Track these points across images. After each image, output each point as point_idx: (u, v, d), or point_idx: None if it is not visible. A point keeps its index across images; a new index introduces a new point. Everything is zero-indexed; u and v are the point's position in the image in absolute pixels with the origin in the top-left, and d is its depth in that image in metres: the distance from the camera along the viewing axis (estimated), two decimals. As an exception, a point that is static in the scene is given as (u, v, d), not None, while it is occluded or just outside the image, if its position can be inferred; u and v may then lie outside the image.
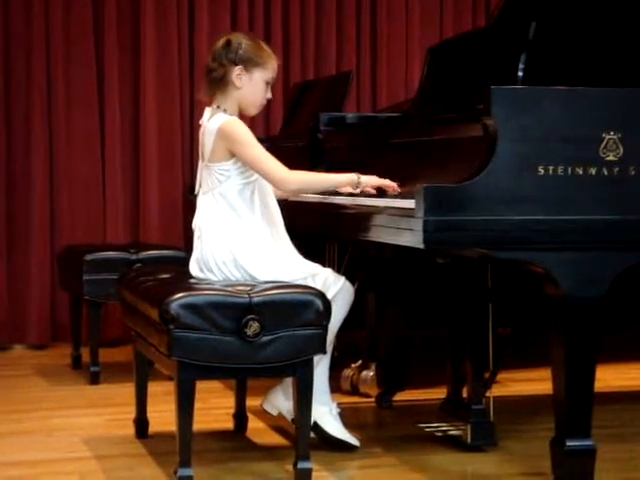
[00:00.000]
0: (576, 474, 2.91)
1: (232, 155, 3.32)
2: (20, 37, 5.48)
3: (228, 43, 3.37)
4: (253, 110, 3.45)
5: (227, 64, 3.35)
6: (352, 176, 3.36)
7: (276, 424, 3.72)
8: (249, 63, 3.37)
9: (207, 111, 3.41)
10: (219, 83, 3.37)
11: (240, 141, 3.30)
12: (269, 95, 3.45)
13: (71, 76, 5.56)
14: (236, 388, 3.71)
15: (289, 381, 3.33)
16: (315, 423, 3.41)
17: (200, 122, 3.44)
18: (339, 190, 3.46)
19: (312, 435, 3.37)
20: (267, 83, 3.42)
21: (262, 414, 3.70)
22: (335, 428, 3.46)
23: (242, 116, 3.42)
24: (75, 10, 5.55)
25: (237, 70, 3.36)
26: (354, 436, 3.49)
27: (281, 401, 3.51)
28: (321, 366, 3.42)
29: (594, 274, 2.84)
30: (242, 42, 3.38)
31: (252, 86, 3.39)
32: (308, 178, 3.41)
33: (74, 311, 4.96)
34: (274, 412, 3.55)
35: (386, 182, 3.32)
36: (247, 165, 3.32)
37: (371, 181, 3.35)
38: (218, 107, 3.38)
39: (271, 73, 3.42)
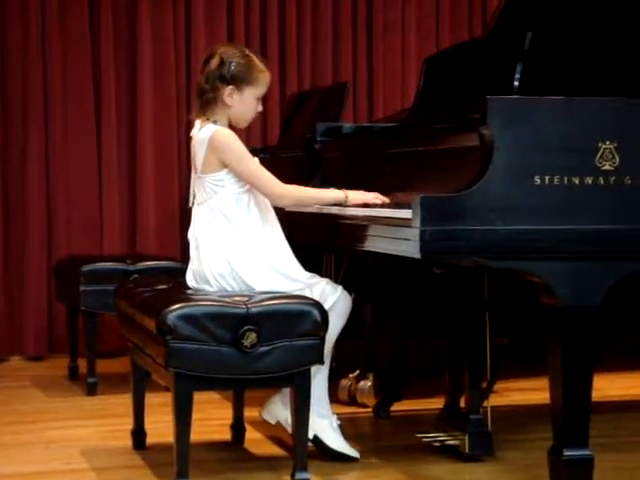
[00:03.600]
0: (574, 484, 2.91)
1: (225, 165, 3.32)
2: (16, 50, 5.48)
3: (221, 62, 3.34)
4: (243, 124, 3.45)
5: (219, 85, 3.34)
6: (340, 194, 3.36)
7: (274, 435, 3.72)
8: (241, 82, 3.35)
9: (197, 123, 3.40)
10: (212, 103, 3.36)
11: (232, 154, 3.30)
12: (260, 108, 3.45)
13: (68, 87, 5.56)
14: (233, 399, 3.71)
15: (288, 390, 3.33)
16: (315, 436, 3.42)
17: (191, 134, 3.44)
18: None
19: (311, 445, 3.37)
20: (258, 98, 3.42)
21: (260, 425, 3.70)
22: (336, 441, 3.46)
23: (233, 128, 3.41)
24: (71, 22, 5.54)
25: (228, 90, 3.34)
26: (354, 448, 3.49)
27: (280, 410, 3.50)
28: (320, 378, 3.42)
29: (591, 284, 2.84)
30: (234, 60, 3.34)
31: (243, 104, 3.38)
32: (301, 195, 3.41)
33: (71, 322, 4.96)
34: (272, 421, 3.54)
35: (374, 200, 3.32)
36: (240, 178, 3.32)
37: (358, 197, 3.35)
38: (208, 119, 3.37)
39: (262, 89, 3.41)
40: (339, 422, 3.49)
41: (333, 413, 3.49)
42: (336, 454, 3.45)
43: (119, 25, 5.63)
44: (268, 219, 3.39)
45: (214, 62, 3.36)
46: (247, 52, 3.42)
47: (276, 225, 3.41)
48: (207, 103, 3.36)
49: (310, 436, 3.37)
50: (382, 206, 3.27)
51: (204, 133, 3.33)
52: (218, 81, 3.34)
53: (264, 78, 3.41)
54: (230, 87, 3.35)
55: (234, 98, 3.36)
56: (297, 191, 3.41)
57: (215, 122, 3.35)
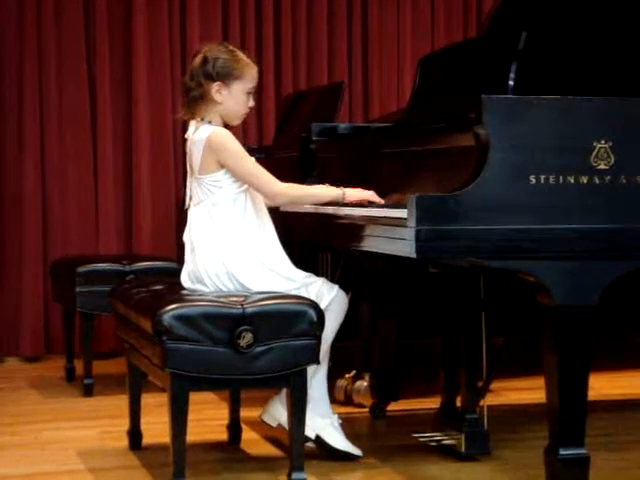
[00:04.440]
0: (570, 483, 2.92)
1: (222, 166, 3.32)
2: (11, 57, 5.48)
3: (205, 60, 3.35)
4: (236, 121, 3.45)
5: (205, 82, 3.34)
6: (337, 192, 3.36)
7: (270, 435, 3.72)
8: (227, 78, 3.34)
9: (192, 124, 3.40)
10: (199, 101, 3.36)
11: (230, 154, 3.30)
12: (251, 103, 3.44)
13: (63, 89, 5.55)
14: (230, 399, 3.71)
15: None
16: (318, 436, 3.42)
17: (186, 136, 3.44)
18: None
19: (310, 444, 3.38)
20: (248, 93, 3.41)
21: (256, 425, 3.70)
22: (338, 440, 3.46)
23: (228, 126, 3.42)
24: (66, 26, 5.54)
25: (216, 86, 3.34)
26: (356, 446, 3.49)
27: (280, 412, 3.49)
28: (319, 377, 3.42)
29: (586, 283, 2.84)
30: (218, 57, 3.35)
31: (233, 99, 3.37)
32: (298, 193, 3.41)
33: (67, 323, 4.96)
34: (273, 423, 3.54)
35: (371, 198, 3.32)
36: (238, 178, 3.32)
37: (355, 195, 3.34)
38: (202, 119, 3.37)
39: (250, 83, 3.40)
40: (340, 421, 3.49)
41: (334, 412, 3.49)
42: (339, 453, 3.46)
43: (114, 30, 5.62)
44: (263, 220, 3.40)
45: (197, 60, 3.37)
46: (231, 48, 3.43)
47: (270, 226, 3.41)
48: (193, 101, 3.36)
49: (312, 436, 3.38)
50: (378, 206, 3.27)
51: (201, 134, 3.33)
52: (202, 78, 3.34)
53: (250, 71, 3.40)
54: (217, 83, 3.34)
55: (223, 94, 3.36)
56: (294, 189, 3.41)
57: (210, 122, 3.36)
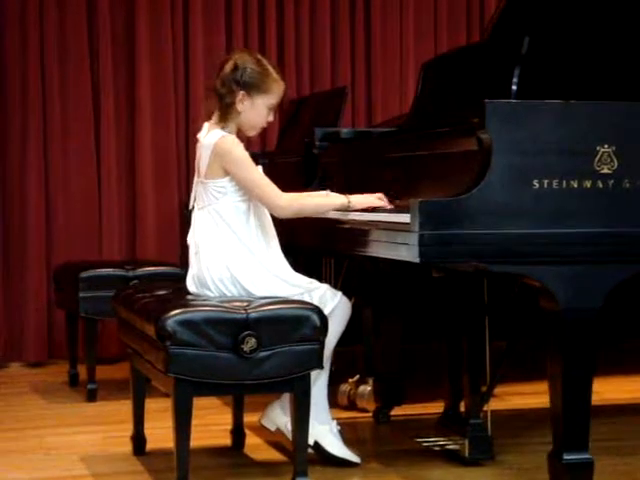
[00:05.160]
0: (574, 487, 2.92)
1: (227, 172, 3.32)
2: (14, 58, 5.49)
3: (236, 67, 3.34)
4: (252, 132, 3.45)
5: (233, 89, 3.34)
6: (342, 200, 3.34)
7: (274, 440, 3.71)
8: (252, 89, 3.34)
9: (205, 126, 3.40)
10: (229, 106, 3.35)
11: (236, 162, 3.29)
12: (271, 118, 3.44)
13: (66, 94, 5.56)
14: (233, 404, 3.71)
15: (287, 396, 3.34)
16: (316, 442, 3.42)
17: (197, 136, 3.44)
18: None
19: (309, 450, 3.37)
20: (270, 108, 3.41)
21: (260, 430, 3.70)
22: (336, 447, 3.46)
23: (241, 134, 3.41)
24: (69, 30, 5.54)
25: (240, 95, 3.34)
26: (355, 453, 3.49)
27: (279, 416, 3.50)
28: (319, 384, 3.41)
29: (590, 287, 2.84)
30: (248, 67, 3.34)
31: (253, 111, 3.37)
32: (302, 204, 3.37)
33: (70, 328, 4.96)
34: (272, 428, 3.54)
35: (376, 202, 3.31)
36: (241, 186, 3.32)
37: (361, 202, 3.33)
38: (216, 123, 3.37)
39: (275, 99, 3.40)
40: (339, 427, 3.49)
41: (333, 419, 3.49)
42: (337, 460, 3.45)
43: (117, 31, 5.62)
44: (266, 228, 3.38)
45: (228, 66, 3.36)
46: (262, 60, 3.41)
47: (274, 235, 3.40)
48: (226, 107, 3.35)
49: (310, 442, 3.37)
50: (382, 210, 3.26)
51: (210, 138, 3.33)
52: (234, 85, 3.34)
53: (277, 88, 3.40)
54: (242, 93, 3.34)
55: (245, 104, 3.35)
56: (297, 202, 3.37)
57: (223, 128, 3.35)
